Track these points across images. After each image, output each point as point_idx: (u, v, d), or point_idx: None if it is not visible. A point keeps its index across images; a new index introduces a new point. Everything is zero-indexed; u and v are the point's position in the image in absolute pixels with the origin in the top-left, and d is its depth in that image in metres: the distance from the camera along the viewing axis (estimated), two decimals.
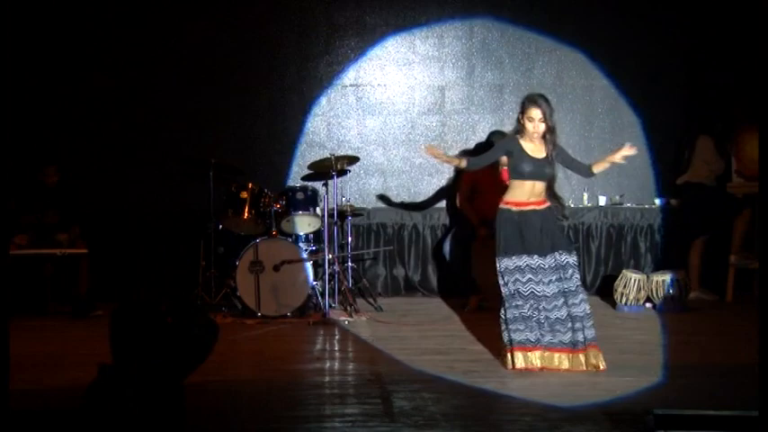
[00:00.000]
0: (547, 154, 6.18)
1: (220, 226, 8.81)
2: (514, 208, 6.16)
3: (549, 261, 6.08)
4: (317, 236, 8.74)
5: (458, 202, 9.18)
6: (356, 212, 9.38)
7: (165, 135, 9.88)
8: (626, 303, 8.73)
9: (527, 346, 6.05)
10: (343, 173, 8.82)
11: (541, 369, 6.02)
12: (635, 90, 10.06)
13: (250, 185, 8.70)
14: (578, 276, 6.16)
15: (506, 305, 6.11)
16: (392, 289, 9.95)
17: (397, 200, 10.05)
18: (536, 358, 6.04)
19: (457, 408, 5.13)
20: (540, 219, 6.13)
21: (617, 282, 8.83)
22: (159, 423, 3.45)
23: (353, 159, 8.85)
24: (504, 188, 8.81)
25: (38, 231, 8.78)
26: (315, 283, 8.43)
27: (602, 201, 10.03)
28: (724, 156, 9.39)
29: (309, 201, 8.70)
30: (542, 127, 6.15)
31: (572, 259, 6.12)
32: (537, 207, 6.15)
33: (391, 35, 10.15)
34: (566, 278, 6.07)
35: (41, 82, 9.70)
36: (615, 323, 8.12)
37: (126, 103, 9.83)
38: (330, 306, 8.28)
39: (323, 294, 8.25)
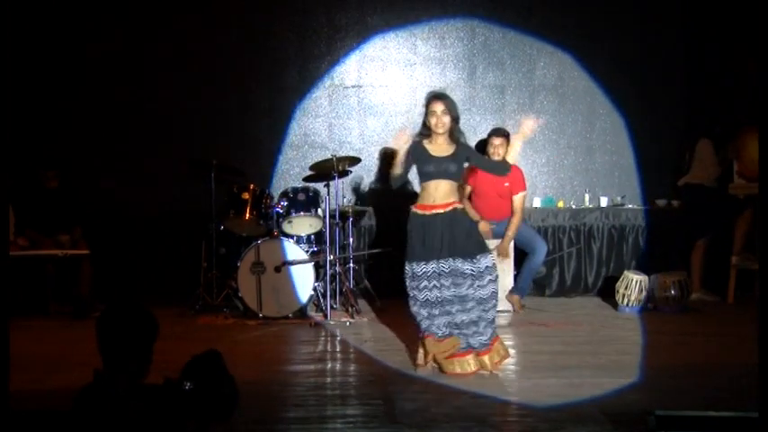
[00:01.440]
0: (452, 152, 6.06)
1: (222, 227, 8.81)
2: (419, 211, 6.05)
3: (448, 265, 5.95)
4: (318, 237, 8.74)
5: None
6: (357, 213, 9.38)
7: (166, 136, 9.89)
8: (627, 304, 8.73)
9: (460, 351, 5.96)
10: (344, 174, 8.82)
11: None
12: (636, 91, 10.06)
13: (251, 186, 8.71)
14: (490, 281, 5.98)
15: (415, 310, 6.02)
16: (393, 290, 9.93)
17: (397, 200, 10.03)
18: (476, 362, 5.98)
19: (458, 409, 5.13)
20: (443, 222, 5.98)
21: (618, 283, 8.83)
22: (152, 426, 3.44)
23: (355, 160, 8.85)
24: (503, 191, 8.95)
25: (39, 232, 8.79)
26: (316, 284, 8.42)
27: (604, 202, 10.04)
28: (724, 158, 9.39)
29: (311, 202, 8.70)
30: (446, 119, 6.04)
31: (476, 266, 5.95)
32: (440, 210, 6.00)
33: (393, 36, 10.16)
34: (460, 284, 5.94)
35: (41, 83, 9.72)
36: (617, 324, 8.12)
37: (127, 105, 9.84)
38: (331, 307, 8.28)
39: (324, 295, 8.25)
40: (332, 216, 8.61)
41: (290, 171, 10.00)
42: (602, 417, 4.85)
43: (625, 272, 8.89)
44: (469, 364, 5.98)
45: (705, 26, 9.96)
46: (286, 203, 8.68)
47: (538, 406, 5.15)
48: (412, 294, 6.03)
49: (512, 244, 8.85)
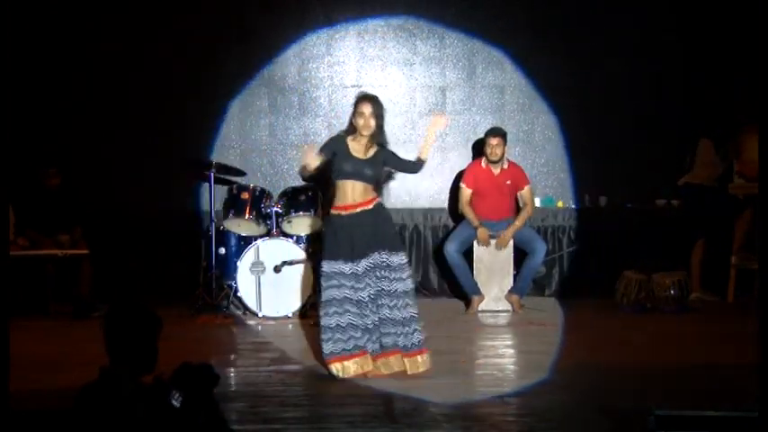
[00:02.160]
0: (371, 155, 6.04)
1: (221, 227, 8.81)
2: (343, 212, 6.00)
3: (364, 264, 5.91)
4: (318, 237, 8.73)
5: (461, 207, 9.16)
6: None
7: (165, 136, 9.88)
8: (627, 304, 8.73)
9: (343, 355, 5.88)
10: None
11: (365, 375, 5.88)
12: (637, 91, 10.07)
13: (251, 186, 8.72)
14: (404, 277, 5.97)
15: (322, 312, 5.93)
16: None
17: (398, 200, 10.05)
18: (354, 365, 5.89)
19: (457, 408, 5.13)
20: (369, 218, 5.97)
21: (618, 282, 8.83)
22: (156, 425, 3.44)
23: None
24: (503, 190, 8.96)
25: (39, 232, 8.79)
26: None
27: (603, 202, 10.04)
28: (725, 158, 9.39)
29: (310, 201, 8.70)
30: (372, 122, 6.02)
31: (395, 260, 5.94)
32: (366, 207, 5.99)
33: (392, 36, 10.15)
34: (384, 278, 5.91)
35: (41, 83, 9.70)
36: (616, 324, 8.12)
37: (126, 104, 9.82)
38: None
39: None
40: None
41: (290, 171, 9.99)
42: (602, 417, 4.85)
43: (624, 271, 8.89)
44: (391, 364, 5.93)
45: (705, 27, 9.95)
46: (285, 203, 8.68)
47: (537, 406, 5.15)
48: (324, 296, 5.93)
49: (510, 242, 8.87)
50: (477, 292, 8.86)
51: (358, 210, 5.99)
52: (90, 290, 8.73)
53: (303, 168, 6.14)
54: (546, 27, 10.07)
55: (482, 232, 8.86)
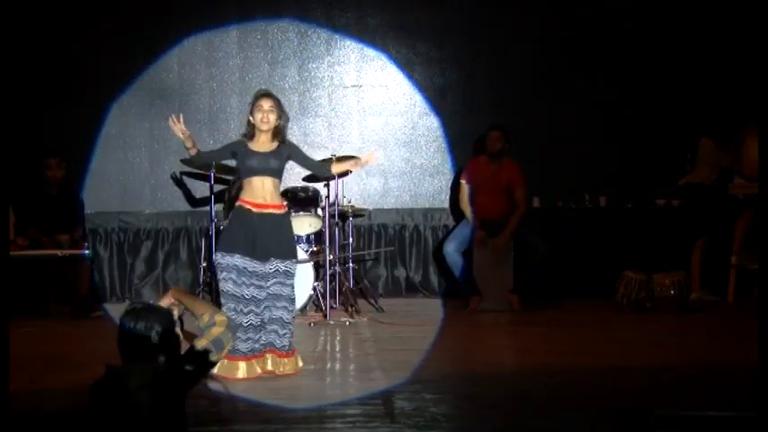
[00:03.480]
0: (273, 148, 6.02)
1: (221, 227, 8.80)
2: (250, 207, 5.94)
3: (268, 267, 5.88)
4: (317, 236, 8.74)
5: (460, 203, 9.17)
6: (357, 213, 9.39)
7: (165, 135, 9.88)
8: (627, 304, 8.73)
9: (237, 356, 5.80)
10: (344, 173, 8.81)
11: (256, 377, 5.83)
12: (637, 91, 10.07)
13: None
14: (290, 283, 5.93)
15: (223, 303, 5.87)
16: (393, 290, 9.97)
17: (398, 200, 10.06)
18: (249, 368, 5.84)
19: (458, 408, 5.13)
20: (273, 222, 5.95)
21: (618, 282, 8.83)
22: (163, 425, 3.45)
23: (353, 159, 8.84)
24: (499, 188, 8.96)
25: (39, 232, 8.78)
26: (316, 283, 8.42)
27: (603, 201, 10.04)
28: (726, 157, 9.39)
29: (310, 201, 8.71)
30: (272, 117, 6.00)
31: (286, 267, 5.91)
32: (275, 211, 5.98)
33: (392, 36, 10.15)
34: (277, 283, 5.88)
35: (41, 83, 9.69)
36: (616, 324, 8.12)
37: (126, 104, 9.82)
38: (331, 307, 8.28)
39: (324, 295, 8.25)
40: (331, 216, 8.61)
41: (290, 171, 9.97)
42: (602, 417, 4.85)
43: (624, 271, 8.89)
44: (267, 362, 5.90)
45: (704, 27, 9.95)
46: (286, 203, 8.66)
47: (538, 405, 5.15)
48: (221, 287, 5.91)
49: (511, 242, 8.87)
50: (476, 291, 8.86)
51: (269, 210, 5.96)
52: (90, 290, 8.72)
53: (189, 152, 6.05)
54: (546, 27, 10.07)
55: (479, 232, 8.86)
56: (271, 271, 5.90)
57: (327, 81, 10.12)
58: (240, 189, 6.10)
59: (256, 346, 5.89)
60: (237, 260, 5.86)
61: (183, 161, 9.29)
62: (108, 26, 9.81)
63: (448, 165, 10.07)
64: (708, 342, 7.27)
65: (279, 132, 6.05)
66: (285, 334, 5.92)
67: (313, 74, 10.10)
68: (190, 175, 9.69)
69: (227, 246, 5.92)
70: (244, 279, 5.86)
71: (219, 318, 3.67)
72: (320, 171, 6.68)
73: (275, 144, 6.05)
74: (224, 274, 5.88)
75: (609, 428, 4.67)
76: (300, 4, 10.08)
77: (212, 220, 8.75)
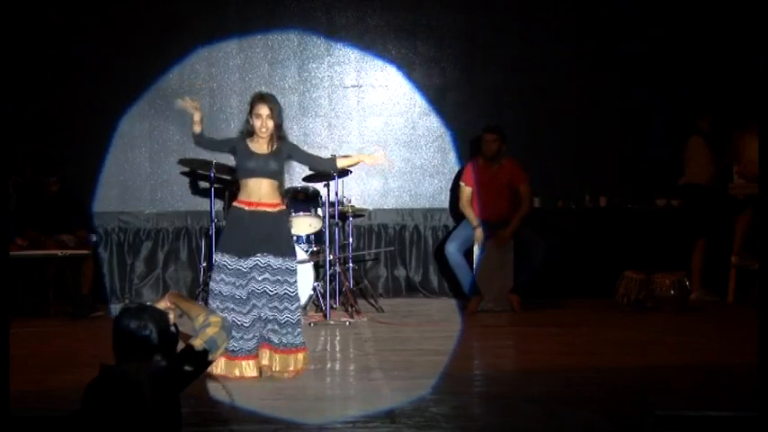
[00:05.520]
0: (272, 150, 6.02)
1: (222, 227, 8.80)
2: (244, 207, 5.97)
3: (248, 264, 5.86)
4: (318, 237, 8.74)
5: (461, 206, 9.16)
6: (357, 213, 9.39)
7: (165, 135, 9.90)
8: (627, 304, 8.74)
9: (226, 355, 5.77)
10: (344, 174, 8.82)
11: (224, 376, 5.78)
12: (637, 91, 10.08)
13: None
14: (290, 281, 5.91)
15: (210, 302, 5.90)
16: (393, 290, 9.97)
17: (398, 200, 10.07)
18: (236, 369, 5.83)
19: (457, 409, 5.13)
20: (269, 221, 5.94)
21: (618, 282, 8.83)
22: (159, 424, 3.45)
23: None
24: (501, 188, 8.95)
25: (41, 233, 8.77)
26: (316, 283, 8.42)
27: (603, 201, 10.04)
28: (722, 158, 9.39)
29: (310, 201, 8.71)
30: (270, 123, 6.01)
31: (279, 263, 5.88)
32: (269, 209, 5.97)
33: (392, 36, 10.15)
34: (266, 280, 5.85)
35: (40, 83, 9.70)
36: (616, 324, 8.12)
37: (126, 104, 9.82)
38: (331, 307, 8.28)
39: (324, 295, 8.25)
40: (331, 216, 8.62)
41: (290, 171, 9.98)
42: (601, 417, 4.85)
43: (625, 271, 8.89)
44: (252, 367, 5.87)
45: (701, 27, 9.96)
46: (284, 202, 8.65)
47: (538, 405, 5.15)
48: (211, 286, 5.94)
49: (511, 242, 8.87)
50: (477, 292, 8.87)
51: (260, 209, 5.96)
52: (91, 290, 8.72)
53: (194, 137, 6.10)
54: (545, 28, 10.07)
55: (479, 233, 8.87)
56: (250, 266, 5.85)
57: (327, 81, 10.12)
58: (238, 190, 6.12)
59: (247, 345, 5.85)
60: (227, 259, 5.90)
61: (182, 161, 9.31)
62: (108, 26, 9.81)
63: (448, 165, 10.07)
64: (708, 342, 7.27)
65: (277, 133, 6.05)
66: (291, 333, 5.88)
67: (313, 74, 10.10)
68: (190, 174, 9.71)
69: (220, 246, 5.99)
70: (232, 279, 5.88)
71: (214, 318, 3.72)
72: (324, 166, 6.63)
73: (275, 145, 6.05)
74: (214, 273, 5.95)
75: (609, 428, 4.67)
76: (301, 5, 10.08)
77: (212, 221, 8.75)
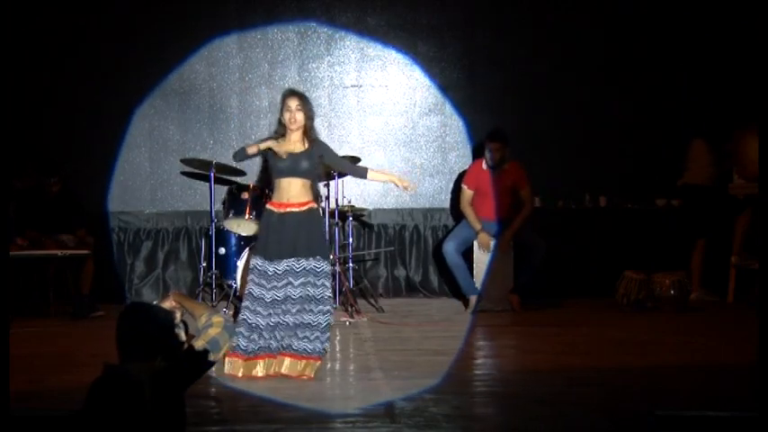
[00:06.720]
0: (305, 149, 6.03)
1: (221, 227, 8.81)
2: (273, 209, 6.01)
3: (279, 267, 5.89)
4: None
5: (462, 207, 9.16)
6: (357, 213, 9.39)
7: (165, 135, 9.90)
8: (627, 304, 8.74)
9: (238, 353, 5.83)
10: (344, 174, 8.81)
11: (244, 377, 5.81)
12: (637, 92, 10.08)
13: (251, 186, 8.71)
14: (318, 284, 5.91)
15: (242, 303, 5.96)
16: (393, 290, 9.97)
17: (398, 200, 10.07)
18: (239, 367, 5.84)
19: (458, 408, 5.13)
20: (297, 221, 5.95)
21: (618, 282, 8.83)
22: (163, 423, 3.46)
23: (355, 160, 8.85)
24: (504, 190, 8.96)
25: (41, 233, 8.77)
26: None
27: (603, 201, 10.04)
28: (722, 158, 9.39)
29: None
30: (299, 116, 6.02)
31: (310, 264, 5.90)
32: (295, 209, 5.98)
33: (392, 36, 10.15)
34: (289, 284, 5.88)
35: (40, 83, 9.69)
36: (616, 324, 8.12)
37: (126, 104, 9.82)
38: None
39: None
40: (332, 216, 8.61)
41: None
42: (602, 417, 4.85)
43: (625, 271, 8.89)
44: (261, 368, 5.88)
45: (705, 26, 9.96)
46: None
47: (538, 405, 5.15)
48: (247, 287, 5.96)
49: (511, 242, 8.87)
50: (475, 291, 8.87)
51: (287, 209, 5.99)
52: (91, 290, 8.72)
53: (241, 152, 6.12)
54: (546, 28, 10.07)
55: (483, 237, 8.87)
56: (280, 272, 5.92)
57: (327, 81, 10.12)
58: (271, 191, 6.22)
59: (256, 347, 5.87)
60: (257, 262, 5.97)
61: (182, 161, 9.32)
62: (108, 26, 9.81)
63: (448, 165, 10.07)
64: (708, 342, 7.27)
65: (309, 130, 6.07)
66: (308, 337, 5.87)
67: (313, 74, 10.11)
68: (189, 174, 9.72)
69: (253, 248, 6.11)
70: (262, 281, 5.92)
71: (216, 319, 3.73)
72: (355, 173, 6.52)
73: (307, 144, 6.06)
74: (249, 275, 6.01)
75: (609, 428, 4.67)
76: (301, 4, 10.08)
77: (212, 221, 8.75)
